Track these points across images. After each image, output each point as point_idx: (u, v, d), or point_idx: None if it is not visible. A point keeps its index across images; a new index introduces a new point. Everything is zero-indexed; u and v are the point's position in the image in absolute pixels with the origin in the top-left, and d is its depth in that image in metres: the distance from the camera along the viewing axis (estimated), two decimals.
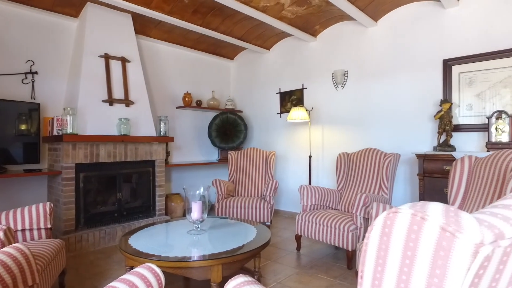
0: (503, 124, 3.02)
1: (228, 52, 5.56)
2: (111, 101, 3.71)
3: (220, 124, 5.24)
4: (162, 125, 4.26)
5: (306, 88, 4.80)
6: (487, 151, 3.06)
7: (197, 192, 2.41)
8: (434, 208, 0.54)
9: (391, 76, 3.96)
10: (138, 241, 2.22)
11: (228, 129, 5.30)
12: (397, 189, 3.89)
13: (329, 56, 4.55)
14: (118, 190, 3.79)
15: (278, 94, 5.15)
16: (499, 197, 1.94)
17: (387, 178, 3.23)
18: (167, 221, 2.83)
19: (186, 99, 4.93)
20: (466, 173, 2.31)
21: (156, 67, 4.81)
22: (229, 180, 4.51)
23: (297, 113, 4.24)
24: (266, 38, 4.95)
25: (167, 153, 4.65)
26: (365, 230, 2.90)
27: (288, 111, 4.96)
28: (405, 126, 3.84)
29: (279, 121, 5.15)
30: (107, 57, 3.78)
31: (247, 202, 3.90)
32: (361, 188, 3.45)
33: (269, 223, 3.87)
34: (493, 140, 3.07)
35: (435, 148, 3.39)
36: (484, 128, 3.24)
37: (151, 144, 4.02)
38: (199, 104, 5.13)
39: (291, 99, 4.97)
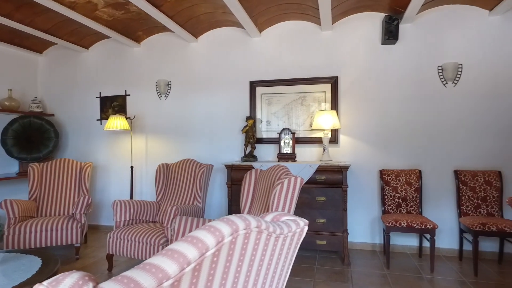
0: (288, 139, 3.75)
1: (33, 44, 4.67)
2: None
3: (20, 130, 4.33)
4: None
5: (129, 95, 4.58)
6: (278, 160, 3.73)
7: None
8: (67, 282, 0.58)
9: (210, 91, 4.27)
10: None
11: (33, 136, 4.45)
12: (215, 196, 4.23)
13: (154, 65, 4.50)
14: None
15: (99, 99, 4.71)
16: (268, 198, 2.39)
17: (201, 188, 3.46)
18: None
19: None
20: (253, 183, 2.73)
21: None
22: (29, 199, 3.78)
23: (115, 122, 3.99)
24: (83, 36, 4.43)
25: None
26: None
27: None
28: (221, 138, 4.22)
29: (99, 129, 4.70)
30: None
31: (50, 224, 3.36)
32: (179, 199, 3.56)
33: (78, 245, 3.46)
34: (282, 152, 3.77)
35: (242, 159, 3.87)
36: (277, 141, 3.94)
37: None
38: None
39: (113, 105, 4.63)
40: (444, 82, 3.55)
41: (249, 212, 2.70)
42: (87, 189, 3.95)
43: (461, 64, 3.50)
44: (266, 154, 4.05)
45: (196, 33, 4.21)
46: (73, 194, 3.93)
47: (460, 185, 3.38)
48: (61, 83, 4.90)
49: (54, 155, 4.84)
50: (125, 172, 4.58)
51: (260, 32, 4.05)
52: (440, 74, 3.56)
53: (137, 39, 4.45)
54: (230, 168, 3.62)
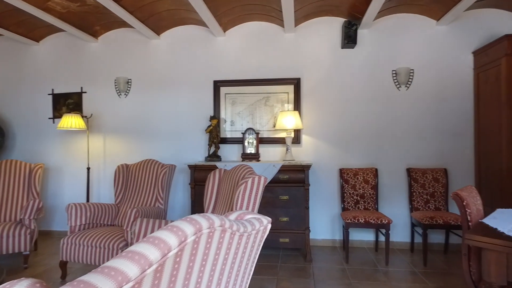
0: (252, 139, 3.78)
1: None
2: None
3: None
4: None
5: (85, 92, 4.33)
6: (242, 160, 3.74)
7: None
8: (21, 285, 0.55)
9: (172, 90, 4.17)
10: None
11: None
12: (178, 197, 4.14)
13: (113, 61, 4.30)
14: None
15: (51, 96, 4.40)
16: (233, 198, 2.39)
17: (163, 189, 3.37)
18: None
19: None
20: (217, 183, 2.72)
21: None
22: None
23: (70, 121, 3.76)
24: (33, 28, 4.12)
25: None
26: None
27: None
28: (184, 138, 4.14)
29: (52, 128, 4.40)
30: None
31: None
32: (139, 201, 3.44)
33: (27, 252, 3.21)
34: (246, 151, 3.79)
35: (206, 159, 3.83)
36: (241, 141, 3.95)
37: None
38: None
39: (67, 103, 4.36)
40: (398, 86, 3.78)
41: (213, 213, 2.68)
42: (37, 192, 3.68)
43: (413, 69, 3.76)
44: (230, 154, 4.04)
45: (158, 30, 4.10)
46: (21, 198, 3.64)
47: (412, 182, 3.62)
48: (6, 78, 4.52)
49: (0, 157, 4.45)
50: (80, 174, 4.32)
51: (225, 31, 4.03)
52: (394, 78, 3.79)
53: (95, 34, 4.23)
54: (194, 168, 3.56)
